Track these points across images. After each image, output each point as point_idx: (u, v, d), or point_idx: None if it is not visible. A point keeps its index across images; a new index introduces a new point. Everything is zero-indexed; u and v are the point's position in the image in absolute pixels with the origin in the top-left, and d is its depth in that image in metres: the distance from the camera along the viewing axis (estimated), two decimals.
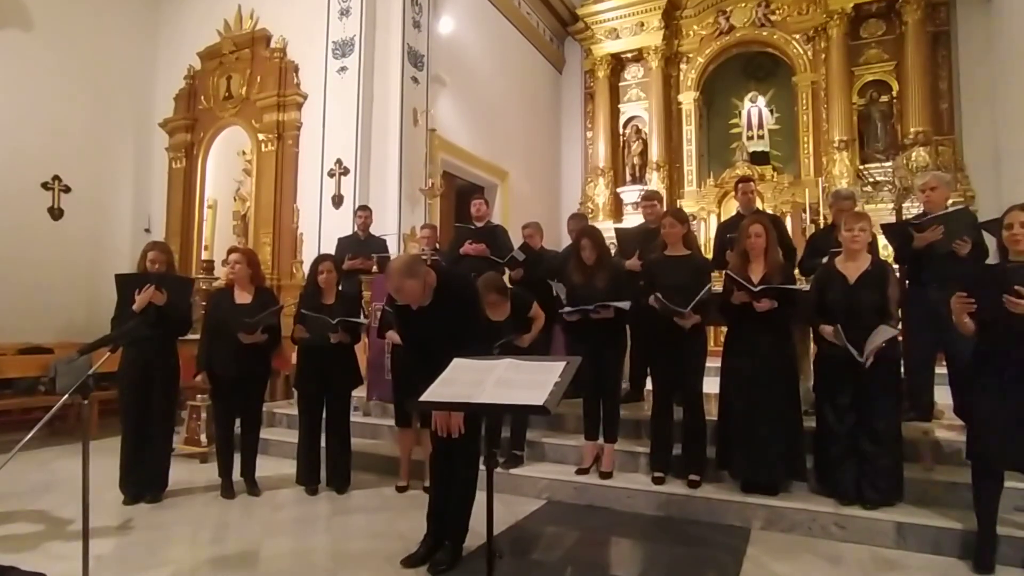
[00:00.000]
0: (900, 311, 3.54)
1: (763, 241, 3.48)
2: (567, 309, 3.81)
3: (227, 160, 7.60)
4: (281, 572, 2.84)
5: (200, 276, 5.71)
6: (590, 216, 9.99)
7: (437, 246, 5.72)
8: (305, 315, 3.98)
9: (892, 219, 7.14)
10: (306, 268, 5.36)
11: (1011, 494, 2.96)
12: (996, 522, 2.78)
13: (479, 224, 5.38)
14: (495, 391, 1.87)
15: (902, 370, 3.49)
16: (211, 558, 3.01)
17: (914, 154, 7.90)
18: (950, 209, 3.87)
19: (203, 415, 4.91)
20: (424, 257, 4.92)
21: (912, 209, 7.21)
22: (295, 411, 4.39)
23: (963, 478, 3.01)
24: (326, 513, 3.74)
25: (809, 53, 9.30)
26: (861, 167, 8.78)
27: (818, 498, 3.36)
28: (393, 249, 6.16)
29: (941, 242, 3.62)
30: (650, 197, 4.93)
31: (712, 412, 3.74)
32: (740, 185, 4.95)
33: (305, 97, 7.05)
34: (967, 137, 8.49)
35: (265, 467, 4.24)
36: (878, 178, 8.59)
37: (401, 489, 4.07)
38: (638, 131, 10.47)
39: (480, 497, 2.49)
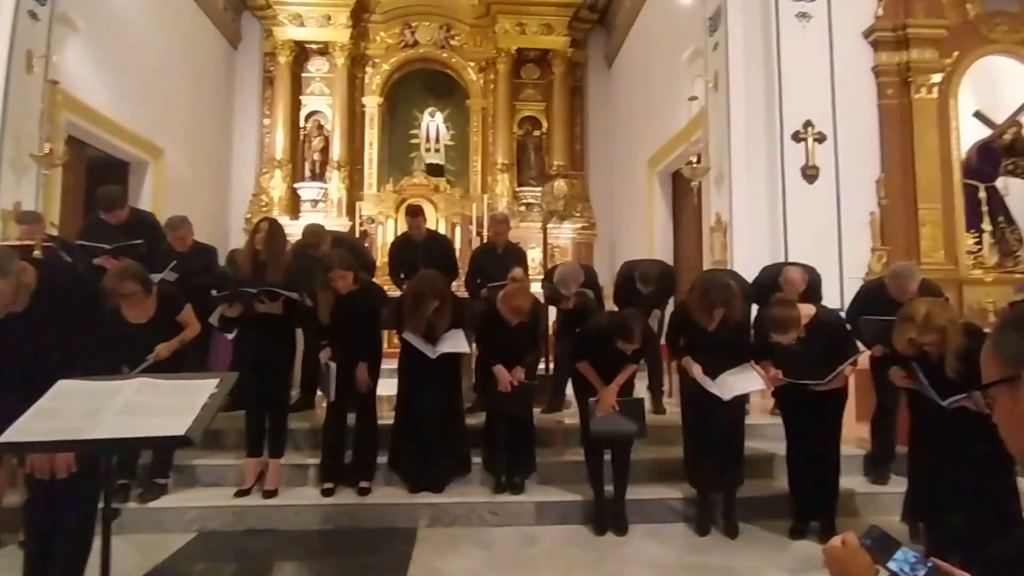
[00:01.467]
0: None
1: (438, 315, 3.59)
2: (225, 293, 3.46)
3: None
4: None
5: None
6: (264, 210, 9.24)
7: (54, 233, 4.49)
8: None
9: (540, 237, 8.37)
10: None
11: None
12: (603, 491, 3.42)
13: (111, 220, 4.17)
14: (117, 421, 1.47)
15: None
16: None
17: (556, 184, 9.42)
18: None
19: None
20: (32, 244, 3.81)
21: (563, 228, 8.62)
22: None
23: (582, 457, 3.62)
24: None
25: (481, 81, 10.29)
26: (518, 189, 10.09)
27: (477, 490, 3.66)
28: None
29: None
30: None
31: (384, 415, 3.76)
32: (408, 219, 5.23)
33: None
34: (592, 174, 10.51)
35: None
36: (531, 200, 9.99)
37: None
38: (320, 127, 10.08)
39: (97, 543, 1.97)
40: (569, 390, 4.29)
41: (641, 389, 3.94)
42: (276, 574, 2.98)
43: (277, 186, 9.56)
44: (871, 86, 5.43)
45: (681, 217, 7.74)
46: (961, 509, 2.59)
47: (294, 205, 9.66)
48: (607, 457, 3.48)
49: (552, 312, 5.02)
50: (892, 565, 0.94)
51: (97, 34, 6.42)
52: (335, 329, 3.58)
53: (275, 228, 3.78)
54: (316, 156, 9.96)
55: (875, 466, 3.82)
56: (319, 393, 4.17)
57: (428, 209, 9.23)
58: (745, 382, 3.31)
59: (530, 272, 8.74)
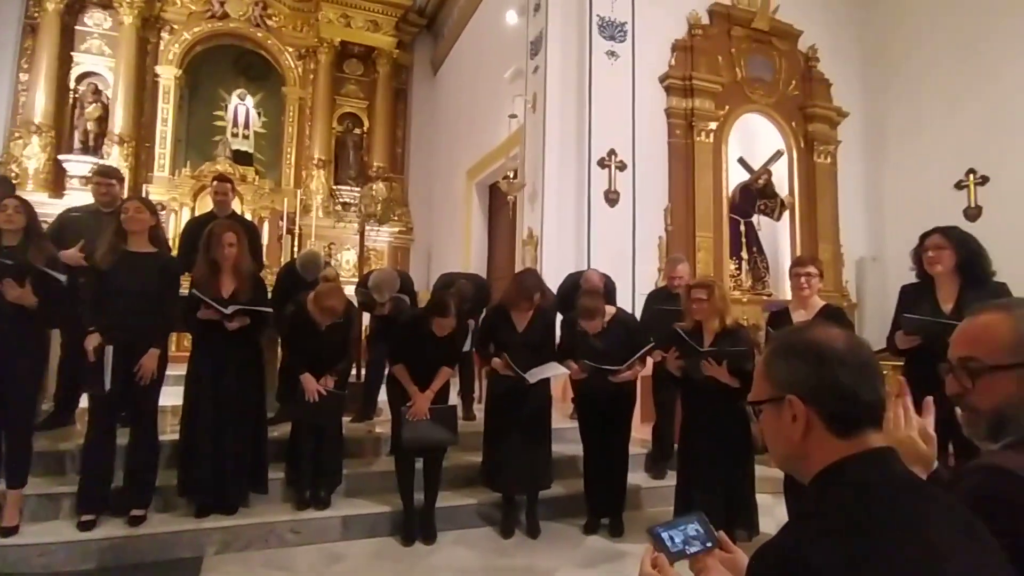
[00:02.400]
0: None
1: (236, 251, 3.30)
2: None
3: None
4: None
5: None
6: (16, 183, 7.63)
7: None
8: None
9: (356, 239, 8.09)
10: None
11: None
12: (412, 501, 3.38)
13: None
14: None
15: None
16: None
17: (375, 186, 9.20)
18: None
19: None
20: None
21: (380, 232, 8.39)
22: None
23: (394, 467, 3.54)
24: None
25: (300, 69, 9.66)
26: (335, 187, 9.64)
27: (276, 508, 3.38)
28: None
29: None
30: (107, 174, 4.09)
31: (166, 430, 3.31)
32: (216, 184, 4.58)
33: None
34: (412, 179, 10.45)
35: None
36: (348, 200, 9.60)
37: None
38: (97, 91, 8.64)
39: None
40: (382, 397, 4.18)
41: (453, 396, 3.98)
42: None
43: (34, 155, 8.02)
44: (663, 125, 6.16)
45: (496, 228, 8.03)
46: (710, 494, 3.05)
47: (57, 180, 8.15)
48: (418, 465, 3.45)
49: (366, 318, 4.87)
50: (664, 534, 1.07)
51: None
52: (110, 309, 3.01)
53: (27, 204, 3.11)
54: (90, 126, 8.52)
55: (655, 463, 4.30)
56: (81, 406, 3.53)
57: (234, 201, 8.41)
58: (550, 370, 3.50)
59: (345, 275, 8.46)
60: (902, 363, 2.93)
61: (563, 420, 4.49)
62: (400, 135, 10.44)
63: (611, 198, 5.77)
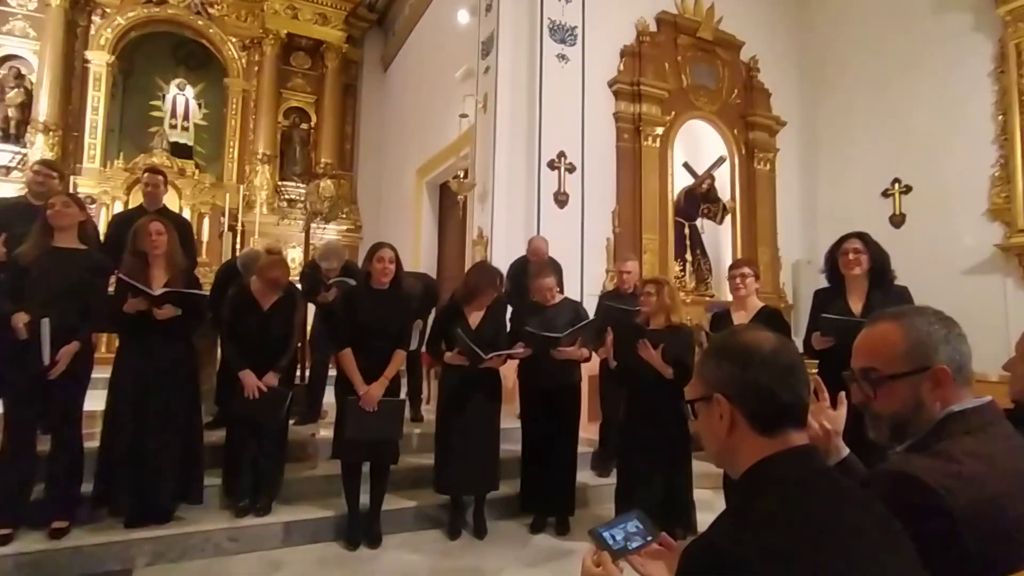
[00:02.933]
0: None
1: (165, 239, 3.16)
2: None
3: None
4: None
5: None
6: None
7: None
8: None
9: (302, 237, 7.89)
10: None
11: None
12: (357, 505, 3.32)
13: None
14: None
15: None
16: None
17: (323, 183, 8.99)
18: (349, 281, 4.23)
19: None
20: None
21: (327, 229, 8.17)
22: None
23: (338, 470, 3.46)
24: None
25: (244, 61, 9.34)
26: (280, 183, 9.36)
27: (212, 516, 3.25)
28: None
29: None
30: (48, 165, 3.90)
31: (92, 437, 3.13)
32: (146, 176, 4.32)
33: None
34: (361, 176, 10.26)
35: None
36: (294, 197, 9.34)
37: None
38: (20, 76, 8.12)
39: None
40: (328, 398, 4.07)
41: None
42: None
43: None
44: (612, 129, 6.26)
45: (446, 227, 7.98)
46: (648, 492, 3.13)
47: None
48: (365, 468, 3.38)
49: (309, 319, 4.74)
50: (605, 533, 1.10)
51: None
52: (32, 306, 2.83)
53: None
54: (11, 112, 8.00)
55: (602, 461, 4.36)
56: None
57: (171, 195, 8.05)
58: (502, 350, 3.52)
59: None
60: (817, 365, 3.02)
61: (509, 420, 4.50)
62: (349, 131, 10.22)
63: (560, 199, 5.82)
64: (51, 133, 7.88)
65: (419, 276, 5.16)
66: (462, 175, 6.37)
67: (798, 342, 2.85)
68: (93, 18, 8.49)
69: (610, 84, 6.24)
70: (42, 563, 2.77)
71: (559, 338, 3.43)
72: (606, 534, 1.11)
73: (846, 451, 1.26)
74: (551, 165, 5.80)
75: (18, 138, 7.92)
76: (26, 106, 8.02)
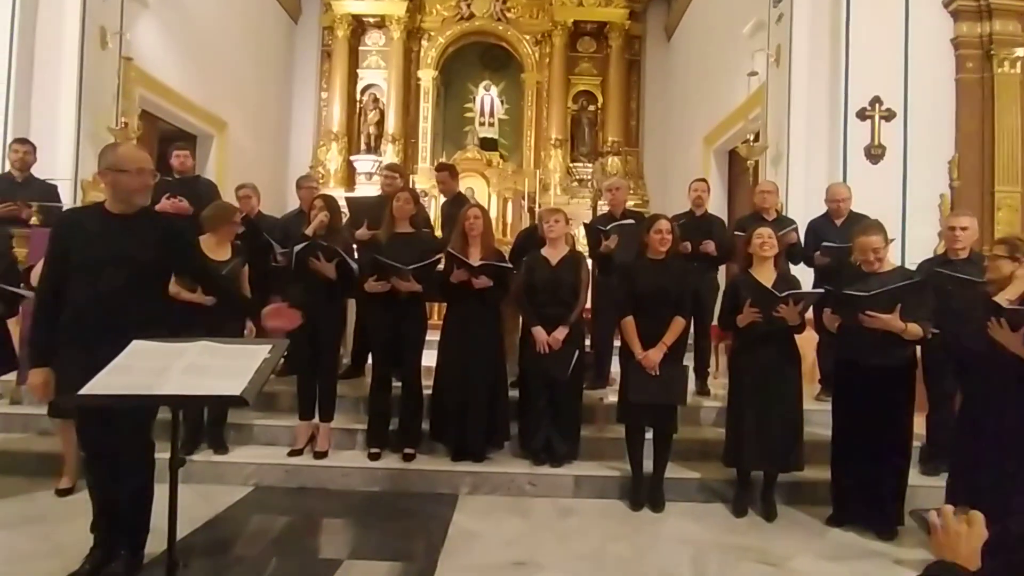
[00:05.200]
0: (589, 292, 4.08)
1: (481, 224, 3.71)
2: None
3: None
4: None
5: None
6: (321, 182, 9.51)
7: None
8: None
9: (590, 214, 8.31)
10: None
11: None
12: (641, 468, 3.45)
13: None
14: (182, 380, 1.61)
15: (588, 346, 4.07)
16: None
17: (609, 160, 9.30)
18: (628, 222, 4.48)
19: None
20: None
21: (603, 207, 8.50)
22: None
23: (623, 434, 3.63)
24: None
25: (537, 55, 10.18)
26: (571, 164, 10.00)
27: (517, 461, 3.75)
28: (67, 199, 4.98)
29: (619, 251, 4.22)
30: (393, 169, 4.94)
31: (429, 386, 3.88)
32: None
33: None
34: (647, 151, 10.29)
35: None
36: (584, 176, 9.89)
37: (63, 492, 3.34)
38: (376, 100, 10.25)
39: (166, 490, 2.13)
40: (615, 367, 4.27)
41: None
42: (325, 529, 3.18)
43: (333, 159, 9.82)
44: (949, 60, 5.10)
45: (736, 197, 7.52)
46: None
47: (350, 177, 9.92)
48: (648, 435, 3.49)
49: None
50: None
51: (165, 11, 6.70)
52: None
53: (331, 202, 3.90)
54: (371, 129, 10.16)
55: (929, 458, 3.68)
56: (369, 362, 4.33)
57: (480, 184, 9.31)
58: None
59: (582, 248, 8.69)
60: None
61: (812, 402, 4.10)
62: (634, 107, 10.35)
63: (874, 154, 5.00)
64: (397, 143, 9.80)
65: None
66: (752, 138, 5.93)
67: None
68: (422, 42, 10.22)
69: (946, 4, 5.07)
70: (399, 478, 3.60)
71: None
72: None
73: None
74: (861, 115, 5.01)
75: (376, 149, 10.05)
76: (380, 123, 10.12)
